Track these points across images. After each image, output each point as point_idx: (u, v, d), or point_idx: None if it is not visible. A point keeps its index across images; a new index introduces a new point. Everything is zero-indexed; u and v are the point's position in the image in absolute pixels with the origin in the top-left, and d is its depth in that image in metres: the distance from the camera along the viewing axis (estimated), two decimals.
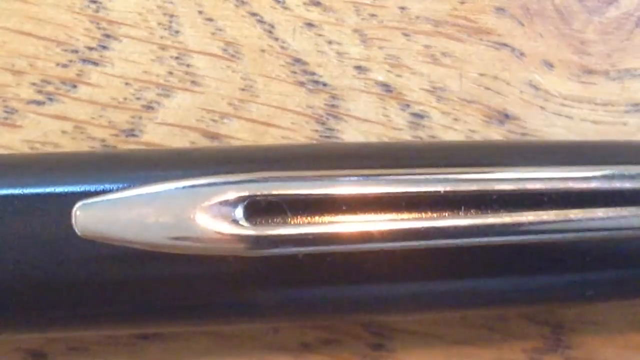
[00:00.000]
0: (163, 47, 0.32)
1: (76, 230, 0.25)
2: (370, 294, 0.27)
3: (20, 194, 0.26)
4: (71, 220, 0.25)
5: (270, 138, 0.32)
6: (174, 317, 0.28)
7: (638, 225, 0.26)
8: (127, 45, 0.32)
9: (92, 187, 0.26)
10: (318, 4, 0.33)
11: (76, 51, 0.32)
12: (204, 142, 0.31)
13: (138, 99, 0.32)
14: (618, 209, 0.26)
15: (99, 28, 0.32)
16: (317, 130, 0.32)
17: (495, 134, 0.32)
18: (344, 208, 0.26)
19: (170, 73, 0.32)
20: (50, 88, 0.31)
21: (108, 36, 0.32)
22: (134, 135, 0.31)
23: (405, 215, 0.26)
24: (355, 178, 0.26)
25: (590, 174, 0.26)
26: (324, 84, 0.32)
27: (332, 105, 0.32)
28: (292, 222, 0.25)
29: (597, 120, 0.32)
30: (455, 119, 0.32)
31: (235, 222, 0.25)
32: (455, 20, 0.33)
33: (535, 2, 0.33)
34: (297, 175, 0.26)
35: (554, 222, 0.26)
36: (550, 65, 0.33)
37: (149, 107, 0.32)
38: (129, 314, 0.27)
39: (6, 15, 0.32)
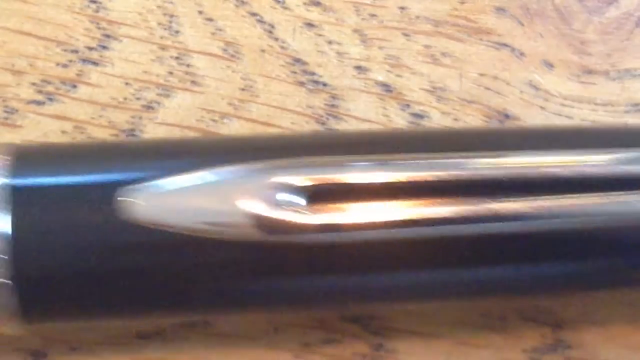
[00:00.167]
0: (163, 47, 0.32)
1: (121, 217, 0.25)
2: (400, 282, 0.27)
3: (65, 182, 0.26)
4: (115, 207, 0.25)
5: None
6: (221, 303, 0.27)
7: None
8: (127, 45, 0.32)
9: (136, 174, 0.26)
10: (318, 4, 0.33)
11: (76, 51, 0.32)
12: None
13: (138, 99, 0.32)
14: (624, 193, 0.26)
15: (99, 28, 0.32)
16: (317, 131, 0.32)
17: None
18: (378, 195, 0.26)
19: (170, 73, 0.32)
20: (50, 88, 0.31)
21: (108, 36, 0.32)
22: (134, 135, 0.31)
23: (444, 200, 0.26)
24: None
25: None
26: (324, 84, 0.32)
27: (332, 105, 0.32)
28: (345, 209, 0.26)
29: (597, 120, 0.32)
30: (455, 119, 0.32)
31: (282, 207, 0.25)
32: (455, 20, 0.33)
33: (535, 2, 0.33)
34: (345, 160, 0.26)
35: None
36: (550, 65, 0.33)
37: (149, 107, 0.32)
38: (175, 302, 0.27)
39: (6, 15, 0.32)
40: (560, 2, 0.33)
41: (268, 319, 0.30)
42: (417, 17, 0.33)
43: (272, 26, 0.33)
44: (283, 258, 0.26)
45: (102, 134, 0.31)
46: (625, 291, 0.31)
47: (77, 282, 0.26)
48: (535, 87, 0.33)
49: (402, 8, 0.33)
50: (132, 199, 0.26)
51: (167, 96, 0.32)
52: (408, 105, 0.32)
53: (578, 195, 0.26)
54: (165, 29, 0.32)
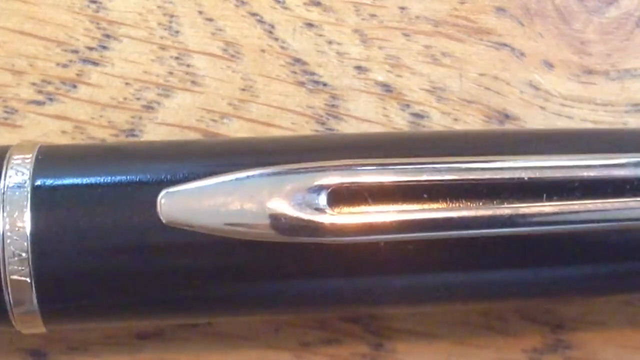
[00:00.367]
0: (163, 47, 0.32)
1: (161, 219, 0.25)
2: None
3: (106, 183, 0.26)
4: (156, 209, 0.25)
5: None
6: (261, 305, 0.28)
7: None
8: (127, 45, 0.32)
9: (176, 176, 0.26)
10: (318, 4, 0.33)
11: (76, 51, 0.32)
12: None
13: (138, 99, 0.32)
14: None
15: (99, 28, 0.32)
16: (317, 131, 0.32)
17: None
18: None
19: (170, 73, 0.32)
20: (50, 88, 0.31)
21: (108, 36, 0.32)
22: (134, 136, 0.31)
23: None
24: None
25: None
26: (324, 84, 0.32)
27: (332, 105, 0.32)
28: (367, 211, 0.26)
29: (597, 120, 0.32)
30: (456, 119, 0.32)
31: (320, 209, 0.25)
32: (455, 20, 0.33)
33: (535, 2, 0.33)
34: (379, 162, 0.26)
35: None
36: (550, 65, 0.33)
37: (149, 107, 0.32)
38: (214, 302, 0.27)
39: (6, 15, 0.32)
40: (560, 2, 0.33)
41: (274, 320, 0.30)
42: (417, 17, 0.33)
43: (272, 26, 0.33)
44: (328, 258, 0.26)
45: (102, 134, 0.31)
46: (635, 296, 0.31)
47: (117, 282, 0.26)
48: (535, 87, 0.33)
49: (402, 8, 0.33)
50: (157, 200, 0.26)
51: (167, 96, 0.32)
52: (408, 105, 0.32)
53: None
54: (165, 29, 0.32)
